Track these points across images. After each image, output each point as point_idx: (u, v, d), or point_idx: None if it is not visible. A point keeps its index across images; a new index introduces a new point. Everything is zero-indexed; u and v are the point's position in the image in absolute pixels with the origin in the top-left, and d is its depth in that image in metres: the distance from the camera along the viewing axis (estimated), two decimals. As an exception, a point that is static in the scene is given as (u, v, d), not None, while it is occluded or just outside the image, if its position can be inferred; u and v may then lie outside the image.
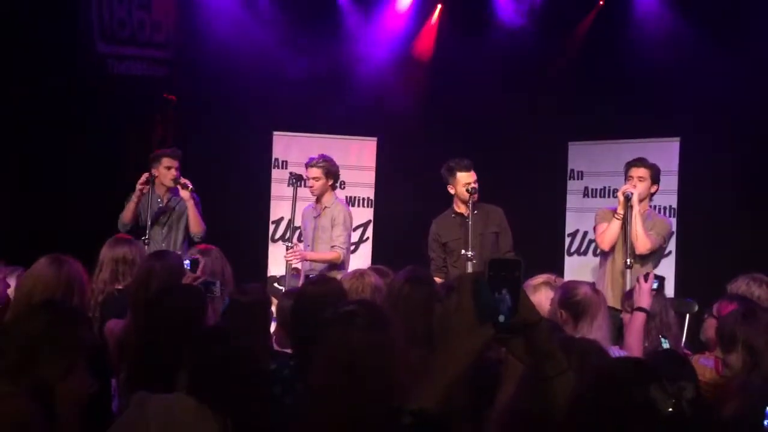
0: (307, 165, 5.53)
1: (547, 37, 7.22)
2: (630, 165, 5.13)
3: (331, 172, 5.52)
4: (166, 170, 5.47)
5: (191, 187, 5.45)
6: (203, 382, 2.06)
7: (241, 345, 2.12)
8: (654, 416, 1.39)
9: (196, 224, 5.48)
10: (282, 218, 6.80)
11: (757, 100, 6.07)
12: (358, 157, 7.14)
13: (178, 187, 5.46)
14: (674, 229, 5.88)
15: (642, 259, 5.02)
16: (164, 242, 5.43)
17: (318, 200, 5.56)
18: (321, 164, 5.47)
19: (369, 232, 7.16)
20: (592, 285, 3.45)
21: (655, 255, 5.17)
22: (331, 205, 5.55)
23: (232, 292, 3.51)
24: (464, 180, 5.27)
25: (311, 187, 5.48)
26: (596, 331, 3.17)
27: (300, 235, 5.59)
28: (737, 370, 2.57)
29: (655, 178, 5.10)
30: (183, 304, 2.42)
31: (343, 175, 7.17)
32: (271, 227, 6.95)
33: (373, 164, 7.12)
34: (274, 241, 6.90)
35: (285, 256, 5.41)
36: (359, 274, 3.51)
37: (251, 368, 2.08)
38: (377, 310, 2.04)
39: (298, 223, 5.65)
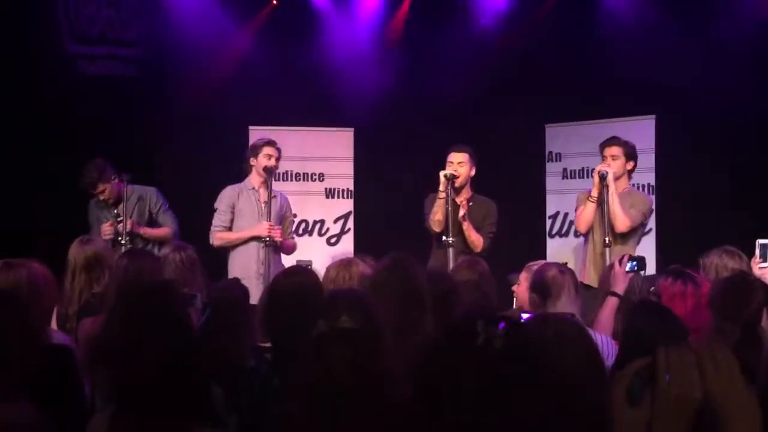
0: (269, 143, 5.48)
1: (521, 20, 7.19)
2: (604, 145, 5.16)
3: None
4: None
5: None
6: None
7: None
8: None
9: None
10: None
11: (729, 74, 6.08)
12: (335, 149, 7.10)
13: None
14: (654, 207, 5.89)
15: (622, 237, 5.01)
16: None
17: (265, 183, 5.45)
18: (279, 147, 5.49)
19: (350, 224, 7.12)
20: (560, 266, 3.45)
21: (636, 233, 5.17)
22: (278, 195, 5.58)
23: (211, 289, 3.46)
24: (449, 159, 5.24)
25: (273, 165, 5.42)
26: (560, 309, 3.17)
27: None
28: None
29: (630, 155, 5.10)
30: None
31: (322, 167, 7.18)
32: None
33: (351, 155, 7.08)
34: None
35: (268, 231, 5.26)
36: (347, 262, 3.44)
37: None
38: (369, 315, 1.88)
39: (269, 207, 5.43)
